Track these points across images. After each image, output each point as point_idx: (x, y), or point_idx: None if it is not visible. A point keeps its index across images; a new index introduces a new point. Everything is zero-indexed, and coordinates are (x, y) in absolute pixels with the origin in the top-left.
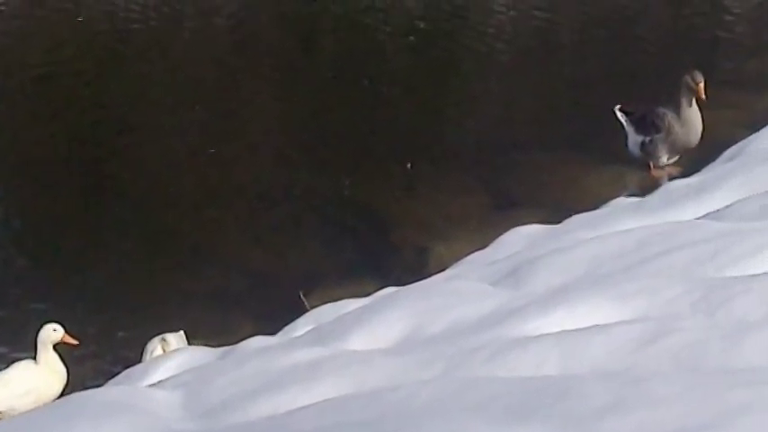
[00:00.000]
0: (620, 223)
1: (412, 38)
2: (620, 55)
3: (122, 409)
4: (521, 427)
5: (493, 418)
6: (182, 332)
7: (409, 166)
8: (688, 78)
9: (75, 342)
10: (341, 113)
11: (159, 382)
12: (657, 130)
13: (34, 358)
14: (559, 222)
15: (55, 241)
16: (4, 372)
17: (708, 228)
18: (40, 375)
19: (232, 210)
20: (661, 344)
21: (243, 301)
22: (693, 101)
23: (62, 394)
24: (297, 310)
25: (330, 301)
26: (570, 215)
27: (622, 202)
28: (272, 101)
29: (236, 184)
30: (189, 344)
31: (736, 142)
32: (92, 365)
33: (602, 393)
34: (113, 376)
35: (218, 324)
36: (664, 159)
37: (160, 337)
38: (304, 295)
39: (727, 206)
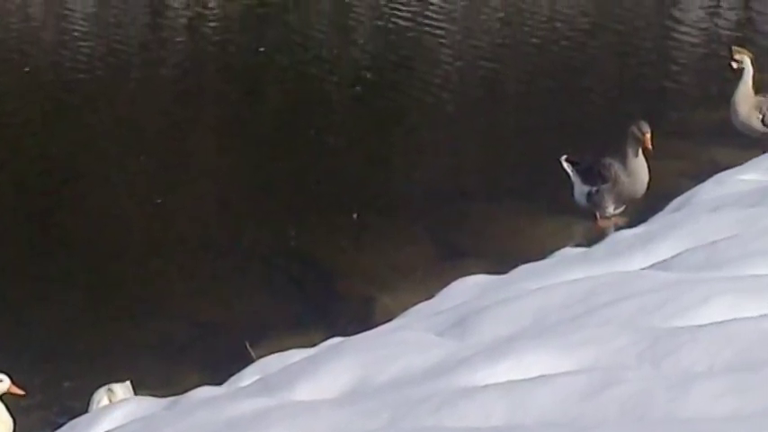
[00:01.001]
0: (566, 273)
1: (358, 88)
2: (567, 105)
3: None
4: None
5: None
6: (128, 382)
7: (355, 216)
8: (634, 129)
9: (21, 392)
10: (287, 164)
11: None
12: (604, 181)
13: None
14: (506, 273)
15: (0, 291)
16: None
17: (654, 278)
18: None
19: (178, 260)
20: (607, 394)
21: (189, 352)
22: (640, 151)
23: None
24: (243, 361)
25: (276, 352)
26: (517, 265)
27: (569, 252)
28: (218, 151)
29: (181, 234)
30: (135, 394)
31: (683, 192)
32: (38, 416)
33: None
34: (59, 426)
35: (164, 374)
36: (610, 209)
37: (106, 387)
38: (250, 345)
39: (674, 256)
